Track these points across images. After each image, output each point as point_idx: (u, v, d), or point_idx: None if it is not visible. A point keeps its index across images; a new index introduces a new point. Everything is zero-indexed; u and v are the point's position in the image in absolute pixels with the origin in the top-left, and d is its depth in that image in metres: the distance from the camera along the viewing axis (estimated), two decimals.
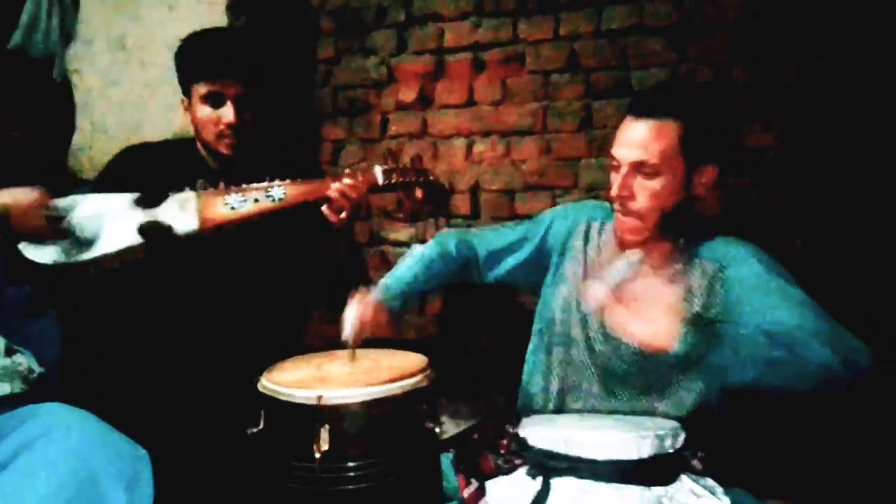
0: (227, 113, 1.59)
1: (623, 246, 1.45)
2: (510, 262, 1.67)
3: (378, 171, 1.60)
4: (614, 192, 1.40)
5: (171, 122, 2.35)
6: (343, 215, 1.55)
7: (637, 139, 1.37)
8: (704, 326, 1.19)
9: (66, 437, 1.05)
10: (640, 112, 1.39)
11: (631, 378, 1.43)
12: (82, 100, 2.50)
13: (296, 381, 1.26)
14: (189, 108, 1.65)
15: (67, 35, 2.65)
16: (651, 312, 1.17)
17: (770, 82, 2.07)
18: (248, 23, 2.48)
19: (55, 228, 1.44)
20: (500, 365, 1.90)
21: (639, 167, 1.37)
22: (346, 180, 1.57)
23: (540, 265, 1.64)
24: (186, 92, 1.64)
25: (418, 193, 1.64)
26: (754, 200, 2.09)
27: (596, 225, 1.59)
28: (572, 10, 2.31)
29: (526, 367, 1.64)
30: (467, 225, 2.49)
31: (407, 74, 2.56)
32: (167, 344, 1.62)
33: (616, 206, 1.41)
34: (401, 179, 1.61)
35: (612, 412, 1.42)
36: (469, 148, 2.50)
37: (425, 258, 1.65)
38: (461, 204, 2.49)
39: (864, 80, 1.96)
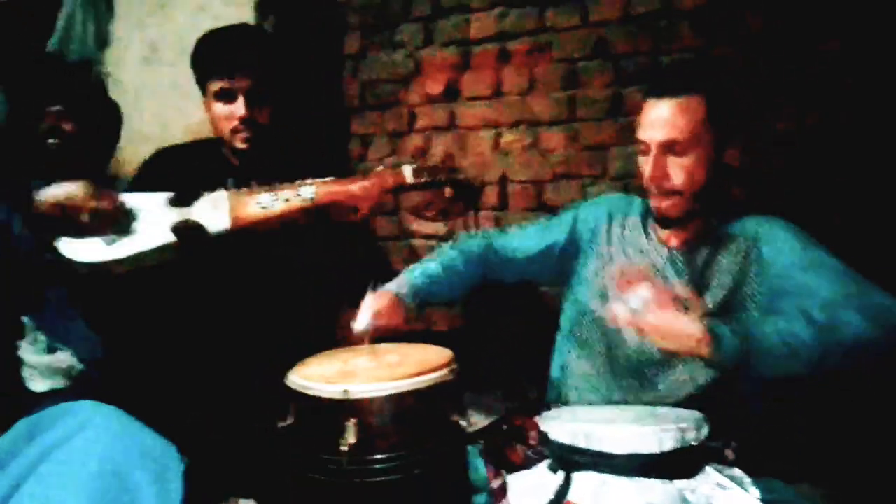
0: (239, 108, 1.63)
1: (664, 224, 1.45)
2: (540, 255, 1.66)
3: (407, 169, 1.61)
4: (648, 173, 1.39)
5: (201, 123, 2.39)
6: (358, 214, 1.56)
7: (663, 118, 1.36)
8: (737, 327, 1.20)
9: (97, 433, 1.08)
10: (662, 92, 1.39)
11: (661, 366, 1.42)
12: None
13: (323, 375, 1.28)
14: (208, 107, 1.69)
15: (102, 39, 2.72)
16: (679, 325, 1.20)
17: (801, 64, 2.02)
18: (276, 21, 2.51)
19: (110, 220, 1.48)
20: (530, 356, 1.90)
21: (669, 146, 1.36)
22: (371, 180, 1.58)
23: (568, 258, 1.63)
24: (203, 90, 1.68)
25: (447, 192, 1.64)
26: (782, 181, 2.06)
27: (619, 218, 1.58)
28: None
29: (554, 360, 1.64)
30: (496, 217, 2.49)
31: (434, 67, 2.56)
32: (200, 340, 1.66)
33: (652, 188, 1.40)
34: (430, 178, 1.61)
35: (640, 401, 1.42)
36: (497, 139, 2.49)
37: (444, 255, 1.67)
38: (489, 195, 2.48)
39: None
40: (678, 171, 1.37)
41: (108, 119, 1.94)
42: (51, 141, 1.73)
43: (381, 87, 2.67)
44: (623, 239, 1.54)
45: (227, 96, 1.64)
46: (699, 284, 1.39)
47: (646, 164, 1.40)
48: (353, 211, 1.56)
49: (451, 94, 2.54)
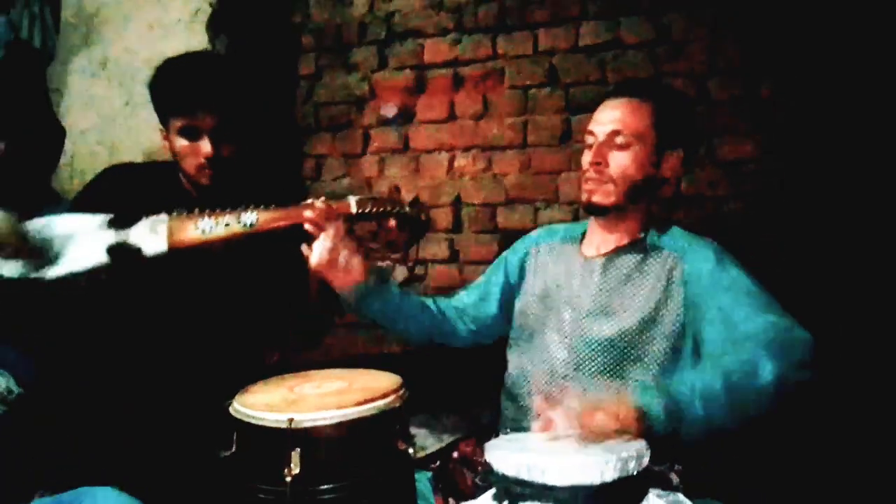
0: (205, 146, 1.56)
1: (592, 212, 1.49)
2: (487, 305, 1.69)
3: (352, 200, 1.59)
4: (589, 160, 1.46)
5: (152, 142, 2.36)
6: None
7: (614, 114, 1.45)
8: (663, 396, 1.18)
9: None
10: (617, 94, 1.49)
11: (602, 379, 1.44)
12: (62, 118, 2.51)
13: (267, 404, 1.26)
14: (167, 137, 1.63)
15: (48, 54, 2.67)
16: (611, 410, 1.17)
17: (745, 96, 2.10)
18: (228, 41, 2.49)
19: (22, 251, 1.44)
20: (483, 379, 1.91)
21: (613, 138, 1.44)
22: (316, 209, 1.56)
23: (510, 302, 1.66)
24: (164, 123, 1.62)
25: (391, 223, 1.63)
26: (729, 207, 2.13)
27: (545, 245, 1.63)
28: (550, 26, 2.34)
29: (504, 387, 1.65)
30: (450, 239, 2.51)
31: (388, 90, 2.58)
32: (138, 365, 1.61)
33: (590, 172, 1.46)
34: (374, 209, 1.60)
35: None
36: (450, 162, 2.51)
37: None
38: (443, 218, 2.50)
39: (834, 96, 1.99)
40: (616, 162, 1.44)
41: (47, 139, 1.88)
42: None
43: (336, 108, 2.67)
44: (550, 263, 1.59)
45: (191, 133, 1.57)
46: (624, 292, 1.44)
47: (589, 154, 1.48)
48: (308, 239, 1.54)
49: (406, 117, 2.56)
